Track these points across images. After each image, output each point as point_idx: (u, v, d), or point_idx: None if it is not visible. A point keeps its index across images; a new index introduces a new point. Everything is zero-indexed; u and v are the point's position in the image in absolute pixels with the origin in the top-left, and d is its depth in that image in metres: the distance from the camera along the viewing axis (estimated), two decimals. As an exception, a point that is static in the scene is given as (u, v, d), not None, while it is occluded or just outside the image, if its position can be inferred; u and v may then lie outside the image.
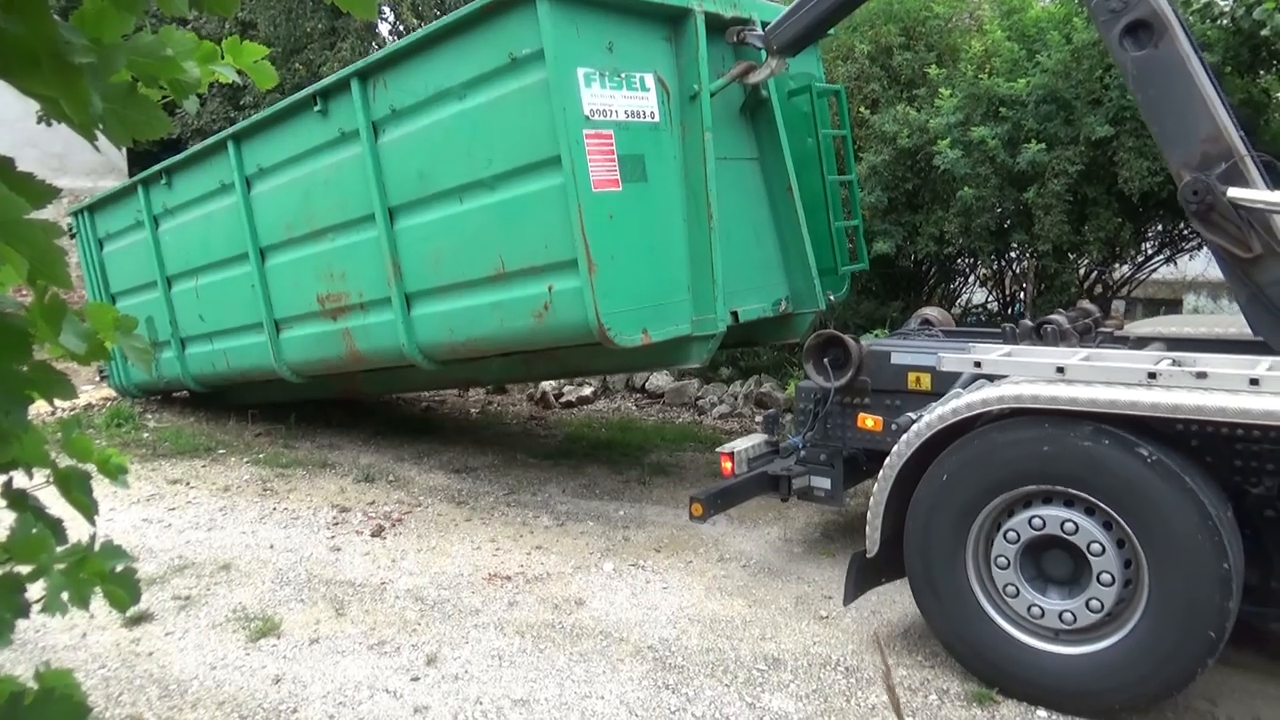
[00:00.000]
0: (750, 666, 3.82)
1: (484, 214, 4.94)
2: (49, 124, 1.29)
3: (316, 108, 5.66)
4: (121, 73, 1.25)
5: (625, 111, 4.72)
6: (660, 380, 9.20)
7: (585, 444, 7.53)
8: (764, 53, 5.27)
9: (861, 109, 7.54)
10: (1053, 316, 4.72)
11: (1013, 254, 8.19)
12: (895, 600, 4.24)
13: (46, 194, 1.19)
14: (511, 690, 3.66)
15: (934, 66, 7.25)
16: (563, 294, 4.68)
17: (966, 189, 6.74)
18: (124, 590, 1.39)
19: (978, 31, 7.52)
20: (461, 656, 3.95)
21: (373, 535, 5.49)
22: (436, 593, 4.63)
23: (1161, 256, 8.11)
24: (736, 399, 8.45)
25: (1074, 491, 3.37)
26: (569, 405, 9.10)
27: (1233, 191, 3.88)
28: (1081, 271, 7.86)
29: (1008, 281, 8.57)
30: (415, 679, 3.77)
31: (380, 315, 5.68)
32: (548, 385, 9.42)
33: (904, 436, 3.72)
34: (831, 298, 6.08)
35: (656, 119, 4.90)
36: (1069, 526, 3.37)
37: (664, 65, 4.97)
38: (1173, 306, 9.41)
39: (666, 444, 7.48)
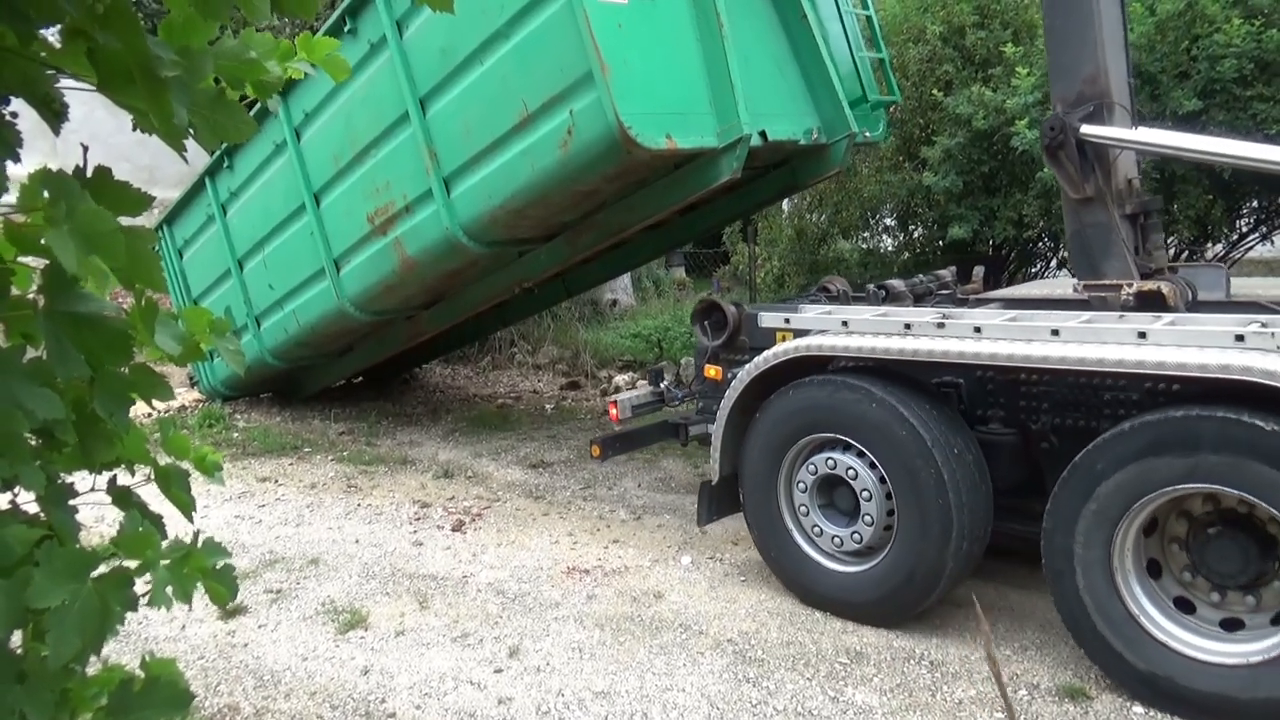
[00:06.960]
0: (832, 660, 3.79)
1: (503, 64, 5.15)
2: (146, 133, 1.34)
3: (347, 28, 5.91)
4: (207, 78, 1.29)
5: None
6: (733, 373, 9.14)
7: (660, 438, 7.53)
8: None
9: (934, 91, 7.37)
10: (890, 281, 5.18)
11: (1097, 235, 7.91)
12: (983, 594, 4.15)
13: (142, 202, 1.24)
14: (593, 682, 3.69)
15: (1010, 44, 7.04)
16: (583, 111, 4.81)
17: (1047, 169, 6.53)
18: (224, 586, 1.44)
19: (1055, 6, 7.26)
20: (543, 649, 4.00)
21: (453, 530, 5.60)
22: (517, 586, 4.69)
23: (1257, 234, 7.75)
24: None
25: (838, 436, 3.98)
26: (642, 399, 9.10)
27: (1085, 127, 4.10)
28: (1172, 251, 7.56)
29: (1092, 264, 8.27)
30: (498, 671, 3.83)
31: (424, 211, 5.91)
32: (621, 380, 9.45)
33: (732, 384, 4.31)
34: (868, 136, 5.94)
35: None
36: (830, 462, 4.03)
37: None
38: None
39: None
